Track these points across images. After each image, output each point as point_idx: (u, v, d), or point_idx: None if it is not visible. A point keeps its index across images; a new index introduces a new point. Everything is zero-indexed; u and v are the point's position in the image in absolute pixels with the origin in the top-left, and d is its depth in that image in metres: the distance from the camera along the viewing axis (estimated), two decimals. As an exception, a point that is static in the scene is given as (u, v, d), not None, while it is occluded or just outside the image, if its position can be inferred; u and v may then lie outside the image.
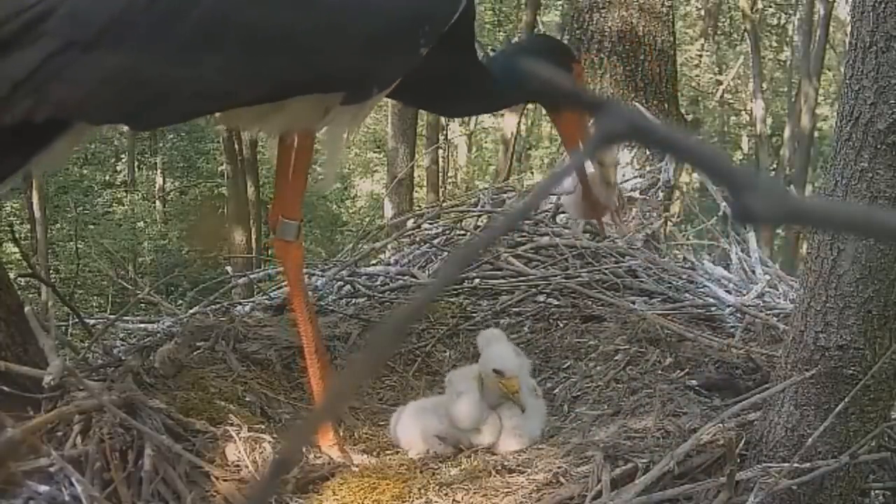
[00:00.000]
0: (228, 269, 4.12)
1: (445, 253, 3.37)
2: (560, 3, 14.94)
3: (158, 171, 15.43)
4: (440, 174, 12.95)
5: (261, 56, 1.69)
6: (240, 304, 3.10)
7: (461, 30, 1.88)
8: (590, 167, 2.60)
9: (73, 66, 1.59)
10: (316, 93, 1.82)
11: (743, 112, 18.72)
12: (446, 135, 14.18)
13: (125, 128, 1.82)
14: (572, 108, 2.14)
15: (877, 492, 1.93)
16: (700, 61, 17.37)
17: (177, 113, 1.81)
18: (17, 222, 11.41)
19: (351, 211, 17.46)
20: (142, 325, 2.91)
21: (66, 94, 1.59)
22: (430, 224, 3.69)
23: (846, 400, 1.67)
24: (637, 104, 3.85)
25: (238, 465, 1.80)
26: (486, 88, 2.07)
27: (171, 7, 1.63)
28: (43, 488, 1.66)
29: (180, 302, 3.78)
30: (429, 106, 2.58)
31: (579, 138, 2.22)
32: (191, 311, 2.95)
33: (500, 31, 14.56)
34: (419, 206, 7.82)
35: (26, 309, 2.05)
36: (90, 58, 1.59)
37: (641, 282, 3.00)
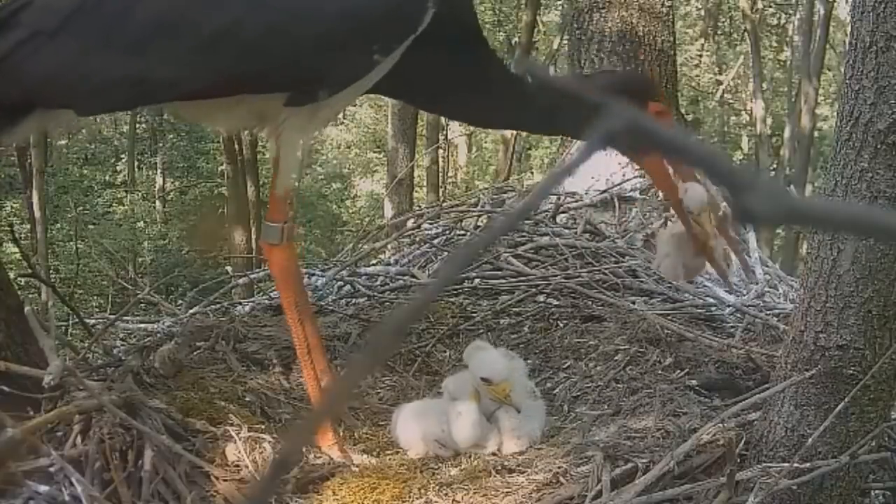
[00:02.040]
0: (228, 269, 4.13)
1: (445, 253, 3.37)
2: (560, 3, 14.95)
3: (158, 171, 15.42)
4: (440, 174, 12.95)
5: (203, 49, 1.72)
6: (240, 304, 3.10)
7: (458, 37, 1.86)
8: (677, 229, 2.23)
9: (35, 54, 1.71)
10: (259, 92, 1.82)
11: (743, 112, 18.71)
12: (446, 135, 14.17)
13: (75, 113, 1.89)
14: (653, 152, 2.00)
15: (877, 492, 1.93)
16: (700, 61, 17.37)
17: (121, 100, 1.90)
18: (17, 222, 11.40)
19: (351, 211, 17.44)
20: (142, 325, 2.91)
21: (27, 80, 1.73)
22: (430, 224, 3.69)
23: (846, 400, 1.67)
24: (637, 104, 3.84)
25: (238, 465, 1.80)
26: (515, 103, 1.99)
27: (125, 0, 1.74)
28: (43, 488, 1.66)
29: (180, 302, 3.78)
30: (453, 115, 2.54)
31: (668, 178, 2.13)
32: (191, 311, 2.95)
33: (499, 31, 14.56)
34: (419, 206, 7.82)
35: (26, 309, 2.05)
36: (50, 46, 1.71)
37: (641, 282, 3.00)
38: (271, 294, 3.19)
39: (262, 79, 1.78)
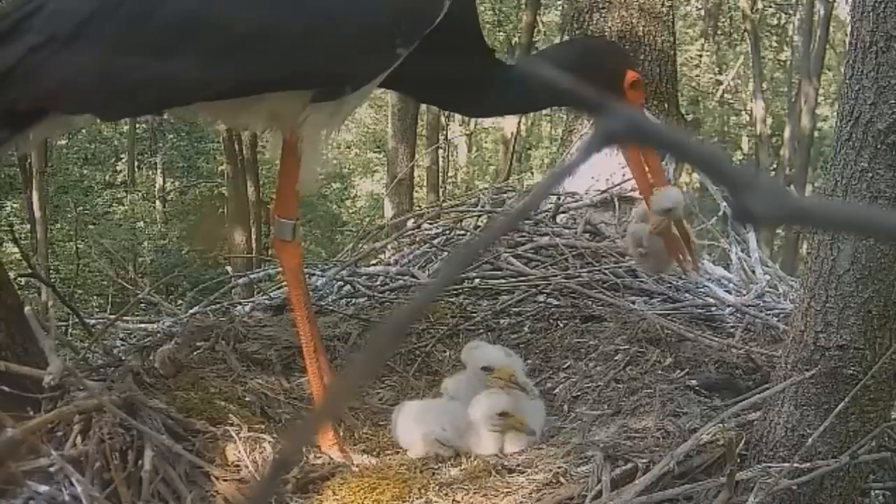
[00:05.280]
0: (228, 269, 4.12)
1: (445, 253, 3.37)
2: (560, 3, 14.94)
3: (158, 171, 15.42)
4: (440, 174, 12.94)
5: (229, 50, 1.72)
6: (240, 304, 3.10)
7: (459, 30, 1.88)
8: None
9: (51, 59, 1.66)
10: (286, 89, 1.83)
11: (743, 112, 18.71)
12: (446, 135, 14.17)
13: (97, 119, 1.87)
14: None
15: (877, 492, 1.93)
16: (700, 61, 17.37)
17: (146, 104, 1.86)
18: (17, 222, 11.41)
19: (351, 211, 17.45)
20: (142, 325, 2.91)
21: (44, 86, 1.68)
22: (430, 224, 3.69)
23: (846, 400, 1.67)
24: (637, 104, 3.84)
25: (238, 465, 1.80)
26: (502, 90, 2.04)
27: (145, 1, 1.70)
28: (43, 488, 1.66)
29: (180, 302, 3.78)
30: (444, 104, 2.58)
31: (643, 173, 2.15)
32: (191, 311, 2.95)
33: (499, 31, 14.56)
34: (419, 206, 7.82)
35: (26, 309, 2.04)
36: (67, 51, 1.67)
37: (641, 282, 2.99)
38: (271, 294, 3.19)
39: (288, 78, 1.79)
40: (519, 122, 12.16)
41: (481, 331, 2.69)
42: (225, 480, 1.75)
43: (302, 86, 1.82)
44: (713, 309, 2.78)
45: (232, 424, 1.91)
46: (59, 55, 1.67)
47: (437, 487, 1.81)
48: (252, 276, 3.69)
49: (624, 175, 3.81)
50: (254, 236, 11.37)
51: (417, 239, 3.60)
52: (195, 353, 2.36)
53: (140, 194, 15.01)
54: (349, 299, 3.10)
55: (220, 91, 1.79)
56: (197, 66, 1.71)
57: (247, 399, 2.14)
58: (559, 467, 1.84)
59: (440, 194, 11.05)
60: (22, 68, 1.65)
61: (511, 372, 2.02)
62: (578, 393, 2.32)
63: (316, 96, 1.83)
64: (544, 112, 17.53)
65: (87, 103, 1.76)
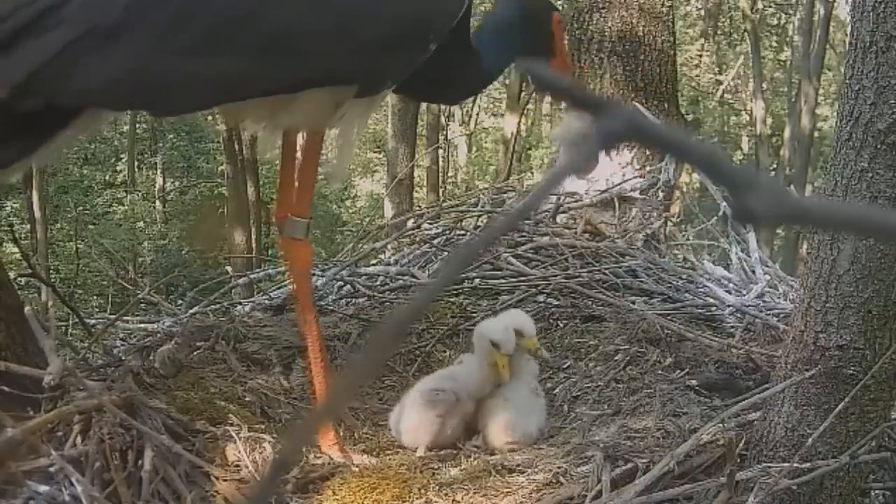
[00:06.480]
0: (228, 269, 4.13)
1: (445, 253, 3.37)
2: (560, 3, 14.94)
3: (158, 171, 15.42)
4: (440, 174, 12.95)
5: (281, 48, 1.72)
6: (240, 304, 3.10)
7: (462, 25, 1.92)
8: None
9: (94, 52, 1.58)
10: (332, 85, 1.86)
11: (743, 112, 18.72)
12: (446, 135, 14.18)
13: (146, 113, 1.87)
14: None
15: (877, 492, 1.93)
16: (700, 61, 17.37)
17: (198, 100, 1.82)
18: (17, 222, 11.41)
19: (351, 211, 17.44)
20: (142, 325, 2.90)
21: (89, 81, 1.60)
22: (430, 224, 3.69)
23: (846, 400, 1.67)
24: (637, 104, 3.84)
25: (238, 465, 1.80)
26: (477, 73, 2.13)
27: None
28: (43, 488, 1.66)
29: (180, 302, 3.78)
30: (426, 95, 2.61)
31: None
32: (191, 311, 2.95)
33: (500, 31, 14.55)
34: (419, 206, 7.82)
35: (26, 309, 2.05)
36: (111, 44, 1.59)
37: (641, 282, 2.99)
38: (271, 294, 3.19)
39: (340, 73, 1.82)
40: (519, 122, 12.15)
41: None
42: (225, 480, 1.75)
43: (349, 81, 1.85)
44: (713, 309, 2.78)
45: (232, 424, 1.91)
46: (102, 48, 1.58)
47: (437, 487, 1.81)
48: (252, 276, 3.69)
49: (624, 175, 3.82)
50: (254, 236, 11.38)
51: (417, 239, 3.60)
52: (195, 353, 2.36)
53: (140, 194, 15.00)
54: (349, 299, 3.10)
55: (271, 86, 1.78)
56: (250, 61, 1.70)
57: (247, 399, 2.14)
58: (559, 467, 1.84)
59: (440, 194, 11.05)
60: (58, 63, 1.56)
61: (535, 344, 2.11)
62: (578, 393, 2.32)
63: (359, 92, 1.86)
64: (544, 112, 17.53)
65: (138, 98, 1.72)
